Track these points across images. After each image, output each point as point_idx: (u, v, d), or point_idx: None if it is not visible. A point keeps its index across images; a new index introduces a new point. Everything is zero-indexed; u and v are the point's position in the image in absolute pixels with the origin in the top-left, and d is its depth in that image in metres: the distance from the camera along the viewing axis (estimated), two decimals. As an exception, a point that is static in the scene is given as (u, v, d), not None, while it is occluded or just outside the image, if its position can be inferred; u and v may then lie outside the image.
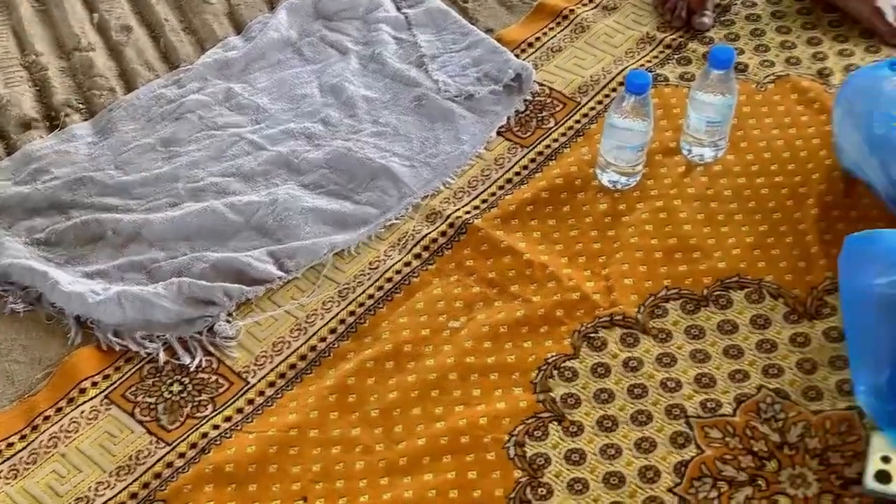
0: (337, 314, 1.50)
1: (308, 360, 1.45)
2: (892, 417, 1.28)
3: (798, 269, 1.50)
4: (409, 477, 1.33)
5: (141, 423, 1.40)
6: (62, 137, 1.74)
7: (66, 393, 1.43)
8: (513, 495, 1.30)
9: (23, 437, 1.39)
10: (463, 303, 1.50)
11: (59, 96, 1.81)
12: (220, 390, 1.43)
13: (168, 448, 1.37)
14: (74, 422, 1.40)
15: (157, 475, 1.35)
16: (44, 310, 1.52)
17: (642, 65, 1.80)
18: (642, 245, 1.55)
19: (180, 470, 1.35)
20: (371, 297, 1.52)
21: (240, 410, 1.40)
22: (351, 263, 1.56)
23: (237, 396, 1.42)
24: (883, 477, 1.26)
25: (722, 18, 1.88)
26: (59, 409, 1.41)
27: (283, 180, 1.67)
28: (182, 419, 1.40)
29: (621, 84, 1.72)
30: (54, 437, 1.39)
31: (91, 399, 1.42)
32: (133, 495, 1.33)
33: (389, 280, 1.53)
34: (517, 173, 1.66)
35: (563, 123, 1.73)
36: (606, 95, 1.76)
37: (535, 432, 1.36)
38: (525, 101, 1.77)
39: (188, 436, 1.38)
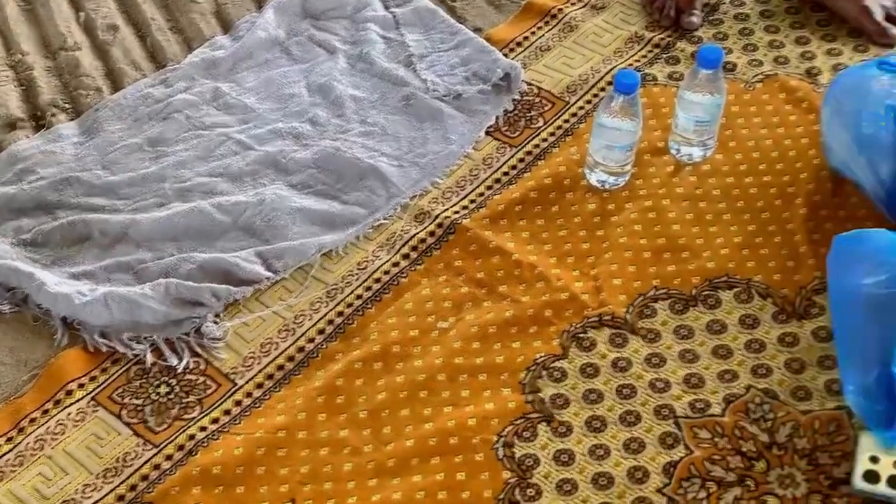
0: (325, 315, 1.49)
1: (296, 361, 1.45)
2: (880, 417, 1.28)
3: (787, 268, 1.50)
4: (398, 478, 1.32)
5: (128, 424, 1.39)
6: (48, 137, 1.73)
7: (52, 395, 1.42)
8: (502, 496, 1.30)
9: (9, 440, 1.38)
10: (452, 303, 1.50)
11: (45, 96, 1.80)
12: (208, 392, 1.42)
13: (155, 450, 1.36)
14: (61, 424, 1.39)
15: (145, 477, 1.34)
16: (30, 311, 1.51)
17: (631, 64, 1.80)
18: (631, 245, 1.55)
19: (167, 472, 1.34)
20: (359, 297, 1.51)
21: (227, 412, 1.40)
22: (339, 264, 1.56)
23: (225, 398, 1.41)
24: (871, 477, 1.26)
25: (710, 18, 1.88)
26: (46, 412, 1.41)
27: (270, 180, 1.66)
28: (169, 421, 1.39)
29: (610, 83, 1.72)
30: (41, 439, 1.38)
31: (78, 401, 1.41)
32: (120, 498, 1.32)
33: (378, 280, 1.53)
34: (506, 173, 1.66)
35: (552, 123, 1.73)
36: (595, 95, 1.76)
37: (524, 433, 1.35)
38: (514, 100, 1.76)
39: (175, 438, 1.37)
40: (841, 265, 1.38)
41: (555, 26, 1.88)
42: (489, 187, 1.64)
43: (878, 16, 1.81)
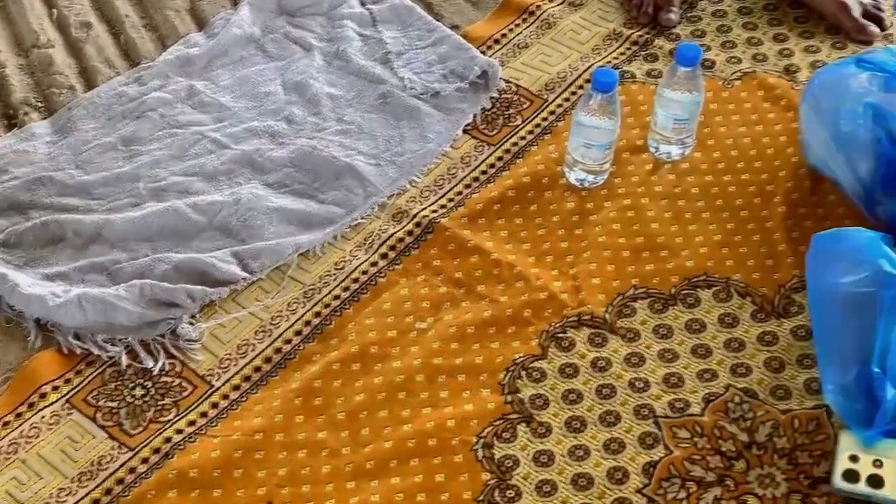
0: (302, 315, 1.48)
1: (273, 362, 1.44)
2: (859, 416, 1.28)
3: (766, 267, 1.50)
4: (377, 480, 1.31)
5: (103, 427, 1.37)
6: (20, 136, 1.71)
7: (26, 398, 1.40)
8: (481, 498, 1.29)
9: (-18, 444, 1.37)
10: (430, 303, 1.49)
11: (17, 94, 1.78)
12: (184, 394, 1.41)
13: (131, 453, 1.35)
14: (35, 427, 1.38)
15: (120, 481, 1.32)
16: (3, 313, 1.49)
17: (609, 61, 1.80)
18: (610, 244, 1.54)
19: (143, 475, 1.33)
20: (337, 297, 1.50)
21: (204, 414, 1.38)
22: (316, 264, 1.54)
23: (201, 400, 1.40)
24: (851, 476, 1.26)
25: (688, 14, 1.88)
26: (20, 415, 1.39)
27: (246, 179, 1.65)
28: (145, 424, 1.38)
29: (588, 81, 1.72)
30: (14, 443, 1.36)
31: (52, 404, 1.40)
32: (95, 501, 1.31)
33: (356, 280, 1.52)
34: (484, 172, 1.65)
35: (531, 121, 1.72)
36: (573, 93, 1.75)
37: (504, 434, 1.35)
38: (491, 98, 1.75)
39: (151, 441, 1.36)
40: (819, 264, 1.38)
41: (532, 23, 1.88)
42: (467, 186, 1.63)
43: (856, 12, 1.81)
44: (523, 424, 1.35)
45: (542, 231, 1.56)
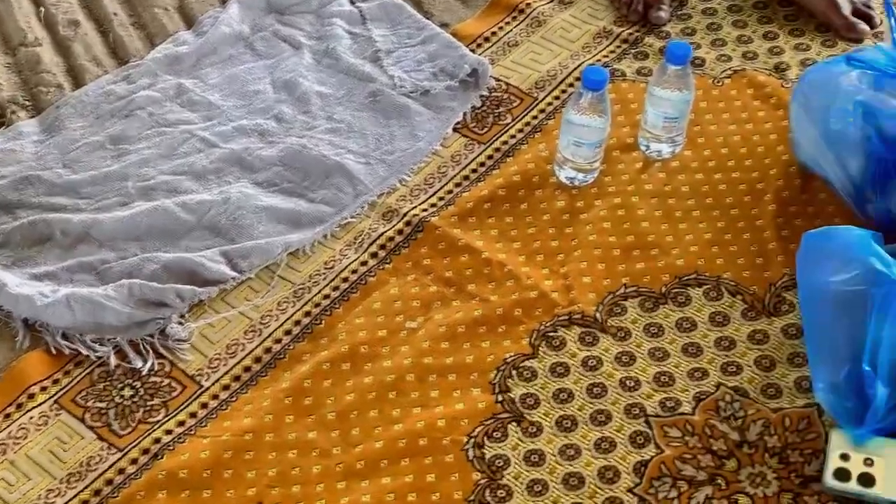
0: (292, 315, 1.48)
1: (263, 362, 1.43)
2: (850, 414, 1.28)
3: (756, 265, 1.50)
4: (367, 481, 1.31)
5: (92, 428, 1.37)
6: (8, 135, 1.70)
7: (14, 398, 1.39)
8: (472, 498, 1.29)
9: (-31, 445, 1.36)
10: (420, 302, 1.48)
11: (4, 93, 1.77)
12: (173, 394, 1.40)
13: (120, 454, 1.34)
14: (23, 428, 1.37)
15: (109, 482, 1.32)
16: (-10, 313, 1.49)
17: (599, 59, 1.79)
18: (600, 242, 1.54)
19: (133, 476, 1.32)
20: (327, 297, 1.49)
21: (193, 415, 1.38)
22: (306, 263, 1.54)
23: (190, 400, 1.39)
24: (842, 475, 1.26)
25: (678, 12, 1.88)
26: (8, 416, 1.38)
27: (235, 178, 1.64)
28: (134, 424, 1.37)
29: (578, 79, 1.71)
30: (2, 444, 1.35)
31: (40, 404, 1.39)
32: (84, 503, 1.30)
33: (345, 280, 1.51)
34: (474, 170, 1.65)
35: (521, 119, 1.71)
36: (563, 91, 1.74)
37: (494, 433, 1.34)
38: (481, 96, 1.75)
39: (140, 441, 1.35)
40: (810, 262, 1.38)
41: (522, 21, 1.87)
42: (458, 185, 1.63)
43: (846, 10, 1.81)
44: (514, 424, 1.35)
45: (533, 230, 1.56)
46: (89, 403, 1.39)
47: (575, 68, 1.78)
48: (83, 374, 1.42)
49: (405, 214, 1.58)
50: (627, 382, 1.38)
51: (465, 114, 1.72)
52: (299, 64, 1.80)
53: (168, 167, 1.65)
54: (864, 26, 1.80)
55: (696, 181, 1.61)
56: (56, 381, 1.41)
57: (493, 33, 1.86)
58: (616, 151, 1.65)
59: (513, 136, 1.69)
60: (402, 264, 1.53)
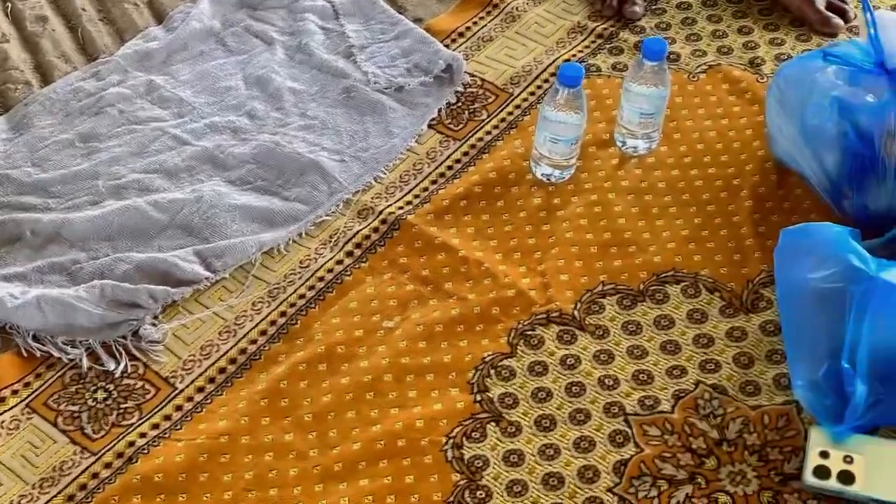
0: (267, 315, 1.46)
1: (238, 363, 1.41)
2: (829, 412, 1.28)
3: (733, 261, 1.50)
4: (345, 483, 1.30)
5: (64, 432, 1.35)
6: (-25, 133, 1.68)
7: (-16, 403, 1.38)
8: (451, 499, 1.28)
9: (-61, 451, 1.33)
10: (397, 302, 1.47)
11: (-29, 90, 1.75)
12: (147, 397, 1.38)
13: (93, 458, 1.32)
14: (-6, 433, 1.35)
15: (83, 486, 1.30)
16: (-41, 315, 1.46)
17: (574, 55, 1.78)
18: (577, 240, 1.53)
19: (107, 481, 1.30)
20: (302, 297, 1.48)
21: (168, 417, 1.36)
22: (281, 262, 1.52)
23: (164, 403, 1.37)
24: (822, 472, 1.25)
25: (653, 7, 1.87)
26: (-22, 420, 1.36)
27: (208, 176, 1.62)
28: (107, 427, 1.35)
29: (553, 74, 1.71)
30: (-27, 449, 1.34)
31: (11, 408, 1.37)
32: (57, 508, 1.29)
33: (321, 279, 1.50)
34: (450, 167, 1.63)
35: (496, 115, 1.70)
36: (539, 86, 1.73)
37: (473, 434, 1.33)
38: (456, 92, 1.74)
39: (114, 445, 1.33)
40: (788, 259, 1.37)
41: (497, 16, 1.86)
42: (433, 182, 1.61)
43: (820, 4, 1.81)
44: (493, 424, 1.34)
45: (509, 227, 1.55)
46: (62, 407, 1.37)
47: (550, 64, 1.77)
48: (55, 376, 1.40)
49: (381, 212, 1.57)
50: (606, 381, 1.38)
51: (439, 110, 1.71)
52: (272, 60, 1.78)
53: (139, 165, 1.63)
54: (838, 20, 1.80)
55: (673, 177, 1.60)
56: (27, 385, 1.39)
57: (468, 28, 1.84)
58: (592, 148, 1.64)
59: (488, 133, 1.68)
60: (378, 263, 1.51)
